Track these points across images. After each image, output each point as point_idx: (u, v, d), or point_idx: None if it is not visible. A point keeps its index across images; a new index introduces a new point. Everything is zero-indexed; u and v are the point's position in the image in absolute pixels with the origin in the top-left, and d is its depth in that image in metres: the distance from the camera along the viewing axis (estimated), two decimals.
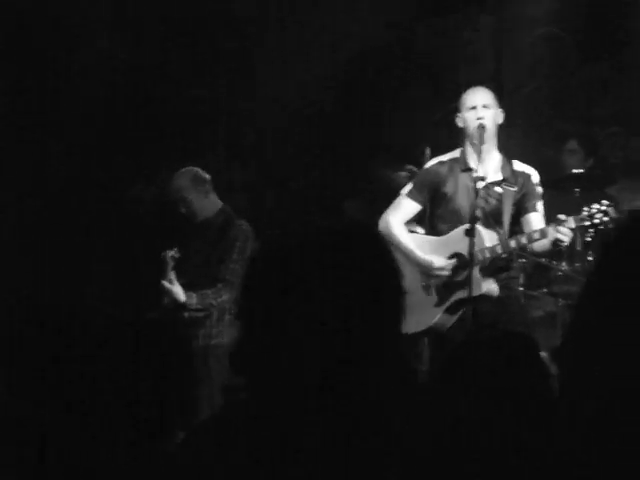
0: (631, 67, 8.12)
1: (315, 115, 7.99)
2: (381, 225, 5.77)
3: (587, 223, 5.32)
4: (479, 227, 5.45)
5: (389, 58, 8.42)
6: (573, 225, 5.32)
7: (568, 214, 5.53)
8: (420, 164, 6.25)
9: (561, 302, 6.54)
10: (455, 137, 6.12)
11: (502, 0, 8.45)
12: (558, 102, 8.35)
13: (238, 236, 5.94)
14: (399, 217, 5.77)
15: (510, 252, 5.55)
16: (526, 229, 5.64)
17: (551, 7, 8.33)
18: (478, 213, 5.45)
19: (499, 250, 5.46)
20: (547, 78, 8.37)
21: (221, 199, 6.20)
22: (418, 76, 8.39)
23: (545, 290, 6.80)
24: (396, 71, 8.41)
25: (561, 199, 6.55)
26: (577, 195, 6.67)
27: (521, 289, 6.29)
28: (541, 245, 5.50)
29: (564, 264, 6.67)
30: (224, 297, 5.83)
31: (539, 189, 5.75)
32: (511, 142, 5.96)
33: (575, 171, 6.92)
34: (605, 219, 5.31)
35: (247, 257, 5.82)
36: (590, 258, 6.82)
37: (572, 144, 7.40)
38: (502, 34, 8.52)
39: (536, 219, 5.66)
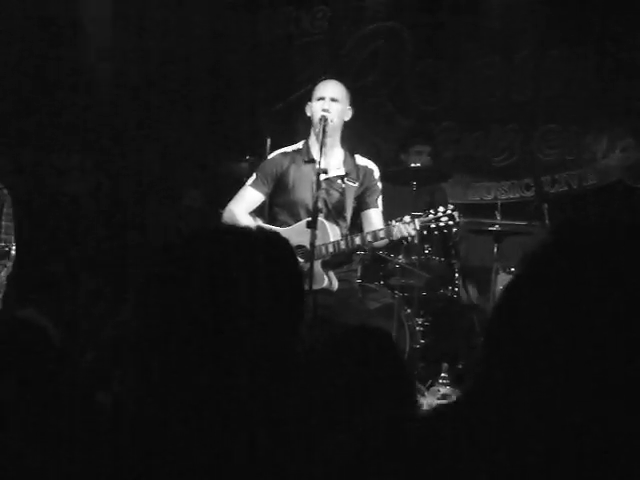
0: (463, 63, 8.29)
1: (155, 105, 7.80)
2: (226, 215, 5.70)
3: (432, 225, 5.39)
4: (324, 221, 5.45)
5: (230, 48, 8.31)
6: (418, 227, 5.37)
7: (405, 208, 5.58)
8: (261, 155, 6.20)
9: (398, 294, 6.63)
10: (296, 129, 6.10)
11: None
12: (396, 97, 8.44)
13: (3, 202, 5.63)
14: (243, 207, 5.71)
15: (354, 248, 5.57)
16: (366, 224, 5.68)
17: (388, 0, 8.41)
18: (320, 206, 5.44)
19: (343, 246, 5.47)
20: (384, 73, 8.45)
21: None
22: (258, 67, 8.30)
23: (382, 282, 6.88)
24: (235, 61, 8.30)
25: (398, 192, 6.63)
26: (413, 188, 6.76)
27: (359, 281, 6.34)
28: (382, 242, 5.54)
29: (401, 257, 6.78)
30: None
31: (379, 185, 5.79)
32: (352, 135, 5.97)
33: (412, 165, 7.01)
34: (450, 222, 5.41)
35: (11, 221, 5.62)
36: (427, 251, 6.96)
37: (419, 147, 7.44)
38: (339, 26, 8.54)
39: (376, 215, 5.71)
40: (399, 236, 5.36)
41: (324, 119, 5.54)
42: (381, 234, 5.41)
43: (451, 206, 5.45)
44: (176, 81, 7.96)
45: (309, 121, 5.73)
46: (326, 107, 5.58)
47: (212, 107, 8.09)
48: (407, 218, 5.36)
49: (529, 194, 8.02)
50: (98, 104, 7.71)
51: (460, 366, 6.73)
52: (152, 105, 7.76)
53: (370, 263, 6.83)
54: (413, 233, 5.36)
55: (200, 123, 8.02)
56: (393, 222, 5.37)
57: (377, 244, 5.58)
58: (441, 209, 5.40)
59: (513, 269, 6.75)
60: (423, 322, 6.82)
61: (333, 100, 5.63)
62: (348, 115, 5.73)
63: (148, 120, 7.79)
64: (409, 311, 6.73)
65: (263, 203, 5.79)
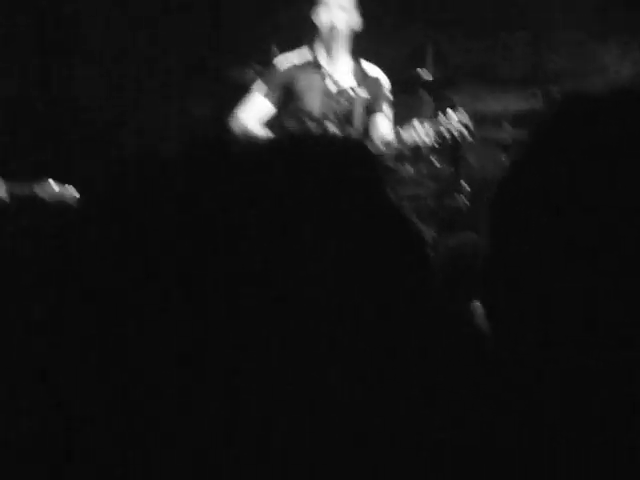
0: None
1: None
2: (234, 123, 5.57)
3: (446, 133, 5.35)
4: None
5: None
6: (432, 133, 5.33)
7: (413, 116, 5.56)
8: (267, 62, 6.07)
9: (405, 204, 6.56)
10: (303, 36, 5.96)
11: None
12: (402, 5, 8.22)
13: None
14: (256, 117, 5.58)
15: None
16: (373, 130, 5.64)
17: None
18: (330, 114, 5.39)
19: None
20: None
21: None
22: None
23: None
24: None
25: (405, 100, 6.52)
26: (421, 96, 6.64)
27: None
28: (392, 149, 5.50)
29: (409, 167, 6.68)
30: None
31: (387, 91, 5.73)
32: (361, 44, 5.84)
33: (419, 71, 6.83)
34: (464, 130, 5.35)
35: None
36: (435, 160, 6.86)
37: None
38: None
39: (382, 120, 5.69)
40: (411, 142, 5.32)
41: (334, 27, 5.43)
42: (394, 141, 5.37)
43: (464, 112, 5.38)
44: None
45: (315, 28, 5.59)
46: (335, 15, 5.45)
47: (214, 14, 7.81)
48: (417, 123, 5.31)
49: (538, 104, 7.88)
50: None
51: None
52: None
53: None
54: (427, 140, 5.30)
55: (202, 30, 7.76)
56: (404, 127, 5.34)
57: (386, 151, 5.52)
58: (454, 116, 5.34)
59: None
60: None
61: (341, 8, 5.49)
62: (357, 24, 5.59)
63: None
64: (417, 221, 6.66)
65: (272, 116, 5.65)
